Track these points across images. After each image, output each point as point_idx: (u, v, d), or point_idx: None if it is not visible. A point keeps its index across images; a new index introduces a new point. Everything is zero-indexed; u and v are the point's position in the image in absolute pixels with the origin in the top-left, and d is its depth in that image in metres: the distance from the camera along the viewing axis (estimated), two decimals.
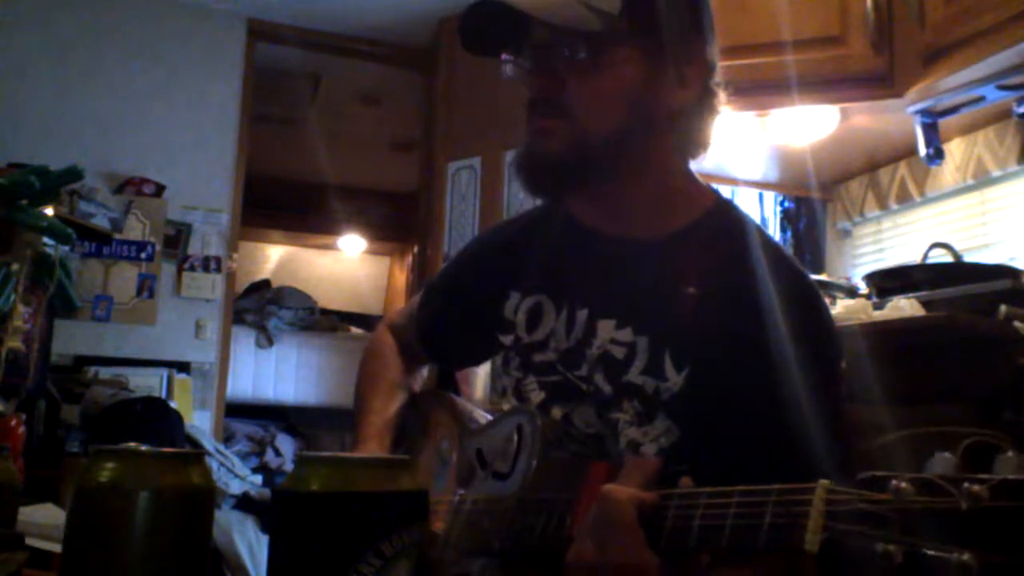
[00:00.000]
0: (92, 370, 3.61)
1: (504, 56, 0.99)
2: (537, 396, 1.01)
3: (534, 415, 0.93)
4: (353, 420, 1.17)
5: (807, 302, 0.95)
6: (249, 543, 3.31)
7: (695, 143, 1.01)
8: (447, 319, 1.19)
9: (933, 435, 1.53)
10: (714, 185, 1.08)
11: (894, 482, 0.52)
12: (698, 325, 0.92)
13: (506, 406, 1.06)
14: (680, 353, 0.91)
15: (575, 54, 0.93)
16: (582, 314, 1.00)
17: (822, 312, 0.97)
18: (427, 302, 1.23)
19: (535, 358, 1.03)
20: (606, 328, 0.97)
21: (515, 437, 0.92)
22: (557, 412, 0.99)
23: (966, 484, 0.49)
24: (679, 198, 1.01)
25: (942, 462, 0.54)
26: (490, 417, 1.12)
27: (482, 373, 2.40)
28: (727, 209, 1.03)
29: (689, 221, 1.00)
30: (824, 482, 0.57)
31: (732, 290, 0.93)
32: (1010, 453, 0.52)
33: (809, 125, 2.26)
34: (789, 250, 1.06)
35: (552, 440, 0.91)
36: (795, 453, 0.85)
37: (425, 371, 1.28)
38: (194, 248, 4.07)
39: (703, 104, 0.99)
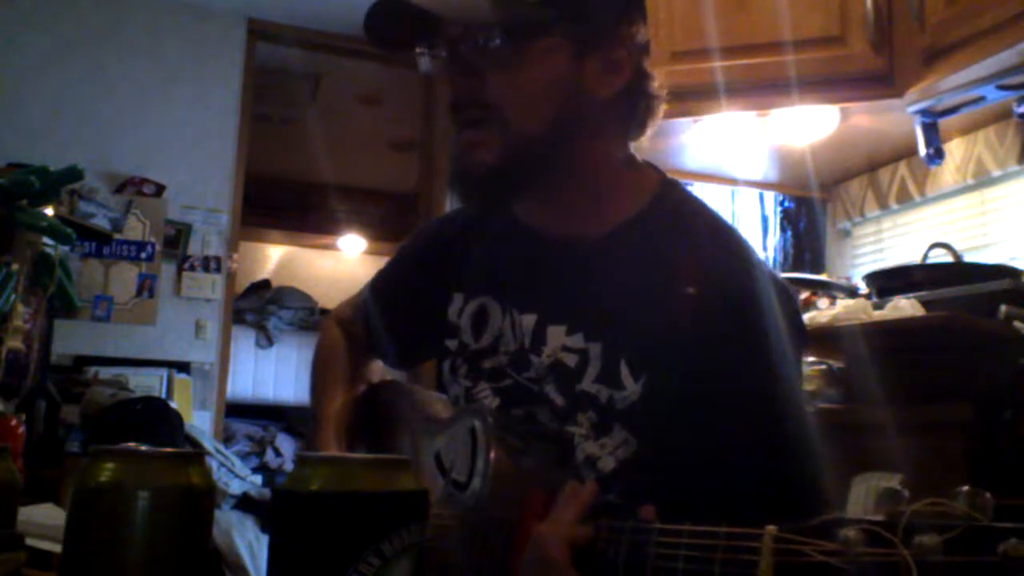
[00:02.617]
0: (92, 370, 3.61)
1: (418, 50, 0.92)
2: (492, 402, 0.96)
3: (484, 414, 0.87)
4: (309, 418, 1.12)
5: (750, 287, 0.87)
6: (249, 543, 3.31)
7: (632, 129, 0.95)
8: (393, 319, 1.14)
9: (932, 435, 1.53)
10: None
11: (842, 532, 0.50)
12: (654, 327, 0.86)
13: None
14: (637, 359, 0.86)
15: (494, 47, 0.86)
16: (529, 319, 0.94)
17: (788, 302, 0.90)
18: (372, 300, 1.17)
19: (484, 364, 0.98)
20: (556, 334, 0.91)
21: (469, 442, 0.86)
22: (518, 413, 0.94)
23: (918, 537, 0.47)
24: (621, 188, 0.95)
25: (890, 496, 0.51)
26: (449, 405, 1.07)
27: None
28: (672, 194, 0.96)
29: (633, 212, 0.93)
30: (771, 528, 0.54)
31: (685, 285, 0.86)
32: (965, 487, 0.49)
33: (809, 125, 2.26)
34: (734, 227, 1.00)
35: (510, 441, 0.85)
36: (762, 467, 0.81)
37: (380, 362, 1.22)
38: (194, 248, 4.07)
39: (637, 88, 0.93)
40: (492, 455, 0.82)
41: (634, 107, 0.94)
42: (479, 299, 1.00)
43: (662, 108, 0.97)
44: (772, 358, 0.85)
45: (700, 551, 0.59)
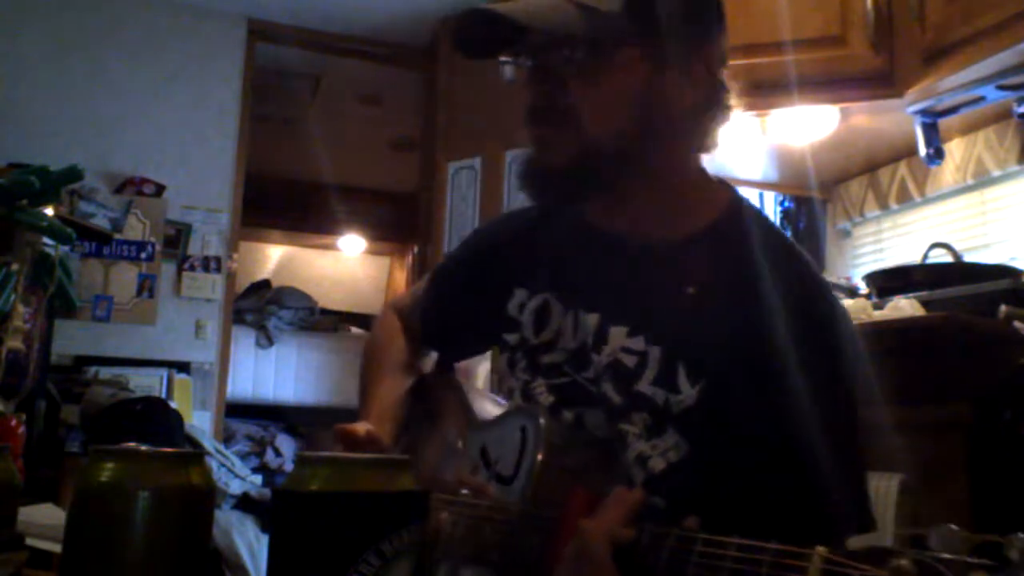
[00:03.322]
0: (92, 370, 3.62)
1: (502, 58, 0.95)
2: (546, 399, 0.98)
3: (537, 416, 0.90)
4: (358, 403, 1.13)
5: (829, 311, 0.91)
6: (249, 543, 3.31)
7: (706, 141, 0.97)
8: (452, 311, 1.16)
9: (932, 435, 1.53)
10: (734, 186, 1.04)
11: (894, 560, 0.49)
12: (716, 337, 0.88)
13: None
14: (696, 366, 0.88)
15: (577, 57, 0.89)
16: (592, 318, 0.96)
17: (844, 321, 0.93)
18: (431, 290, 1.19)
19: (543, 359, 1.00)
20: (617, 335, 0.93)
21: (519, 440, 0.89)
22: (568, 415, 0.96)
23: (971, 573, 0.47)
24: (693, 199, 0.97)
25: (947, 537, 0.50)
26: (500, 402, 1.09)
27: (482, 371, 2.39)
28: (743, 209, 0.98)
29: (705, 223, 0.95)
30: (821, 550, 0.55)
31: (752, 299, 0.88)
32: (1021, 534, 0.49)
33: (809, 125, 2.26)
34: (803, 249, 1.01)
35: (558, 444, 0.88)
36: (813, 477, 0.82)
37: (434, 354, 1.24)
38: (194, 248, 4.07)
39: (713, 101, 0.95)
40: (540, 455, 0.85)
41: (709, 119, 0.96)
42: (542, 295, 1.02)
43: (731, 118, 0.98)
44: (836, 377, 0.87)
45: (745, 564, 0.59)
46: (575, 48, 0.89)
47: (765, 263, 0.91)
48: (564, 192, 0.94)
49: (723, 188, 1.00)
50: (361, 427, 1.01)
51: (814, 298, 0.90)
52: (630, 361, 0.92)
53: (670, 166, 0.95)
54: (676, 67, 0.91)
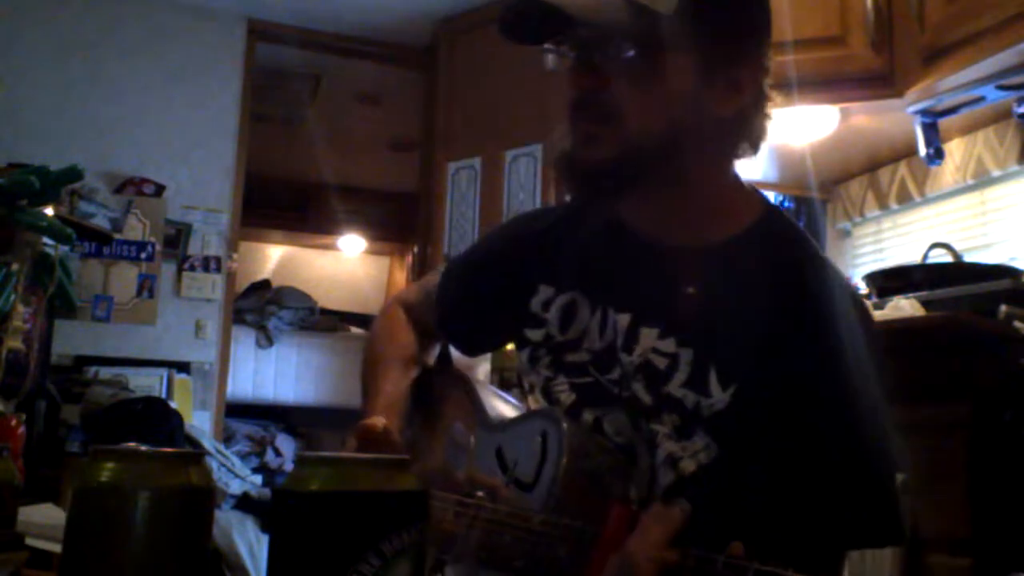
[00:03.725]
0: (92, 370, 3.62)
1: (547, 45, 0.93)
2: (568, 398, 0.98)
3: (559, 420, 0.89)
4: (361, 395, 1.12)
5: (862, 316, 0.92)
6: (249, 543, 3.31)
7: (748, 146, 0.97)
8: (469, 304, 1.15)
9: (932, 435, 1.53)
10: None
11: None
12: (749, 341, 0.88)
13: (533, 404, 1.02)
14: (727, 369, 0.88)
15: (625, 56, 0.88)
16: (622, 318, 0.96)
17: (874, 327, 0.94)
18: (447, 284, 1.18)
19: (567, 358, 1.00)
20: (648, 336, 0.93)
21: (540, 444, 0.88)
22: (588, 416, 0.95)
23: None
24: (729, 205, 0.97)
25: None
26: (507, 398, 1.08)
27: (482, 367, 2.39)
28: (778, 217, 0.99)
29: (740, 229, 0.96)
30: None
31: (786, 305, 0.89)
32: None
33: (809, 125, 2.26)
34: (831, 260, 1.02)
35: (578, 449, 0.88)
36: (846, 481, 0.83)
37: (438, 348, 1.23)
38: (194, 248, 4.07)
39: (755, 109, 0.94)
40: (565, 462, 0.84)
41: (750, 127, 0.95)
42: (570, 293, 1.02)
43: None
44: (866, 385, 0.87)
45: None
46: (624, 46, 0.88)
47: (799, 269, 0.91)
48: (602, 188, 0.94)
49: (757, 195, 1.01)
50: (379, 421, 1.00)
51: (843, 305, 0.90)
52: (661, 363, 0.92)
53: (708, 171, 0.95)
54: (724, 74, 0.90)
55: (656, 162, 0.90)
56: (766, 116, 0.96)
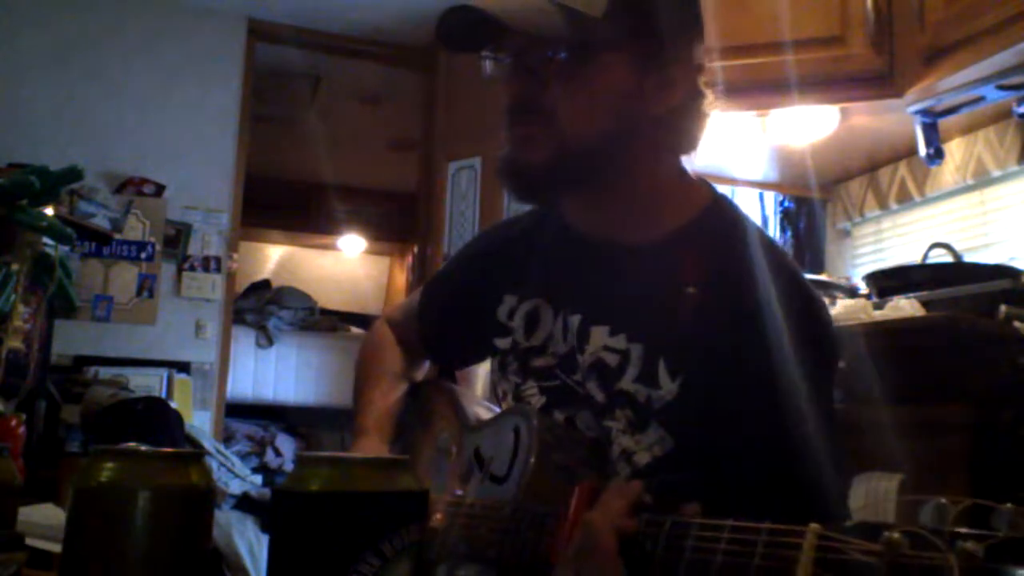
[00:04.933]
0: (92, 370, 3.62)
1: (484, 53, 0.96)
2: (538, 401, 1.00)
3: (530, 416, 0.91)
4: (352, 412, 1.15)
5: (806, 305, 0.93)
6: (249, 543, 3.31)
7: (685, 142, 0.99)
8: (447, 321, 1.18)
9: (932, 435, 1.53)
10: (714, 185, 1.06)
11: (886, 533, 0.50)
12: (694, 331, 0.89)
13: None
14: (675, 361, 0.89)
15: (558, 58, 0.90)
16: (575, 319, 0.98)
17: (821, 315, 0.95)
18: (427, 303, 1.22)
19: (534, 363, 1.02)
20: (599, 335, 0.95)
21: (512, 440, 0.90)
22: (559, 416, 0.97)
23: (960, 541, 0.48)
24: (672, 199, 0.99)
25: (937, 511, 0.52)
26: (489, 406, 1.11)
27: (482, 373, 2.39)
28: (723, 208, 1.00)
29: (684, 222, 0.97)
30: (814, 527, 0.56)
31: (729, 294, 0.90)
32: (1009, 505, 0.50)
33: (809, 125, 2.26)
34: (786, 249, 1.03)
35: (551, 443, 0.90)
36: (793, 466, 0.84)
37: (427, 364, 1.26)
38: (194, 248, 4.07)
39: (691, 105, 0.96)
40: (534, 454, 0.86)
41: (686, 123, 0.97)
42: (533, 301, 1.04)
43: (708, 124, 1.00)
44: (813, 369, 0.88)
45: (739, 546, 0.60)
46: (556, 49, 0.90)
47: (742, 259, 0.92)
48: (540, 190, 0.96)
49: (703, 187, 1.02)
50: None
51: (791, 292, 0.91)
52: (612, 360, 0.93)
53: (648, 167, 0.96)
54: (655, 71, 0.92)
55: (592, 161, 0.93)
56: (703, 113, 0.98)
